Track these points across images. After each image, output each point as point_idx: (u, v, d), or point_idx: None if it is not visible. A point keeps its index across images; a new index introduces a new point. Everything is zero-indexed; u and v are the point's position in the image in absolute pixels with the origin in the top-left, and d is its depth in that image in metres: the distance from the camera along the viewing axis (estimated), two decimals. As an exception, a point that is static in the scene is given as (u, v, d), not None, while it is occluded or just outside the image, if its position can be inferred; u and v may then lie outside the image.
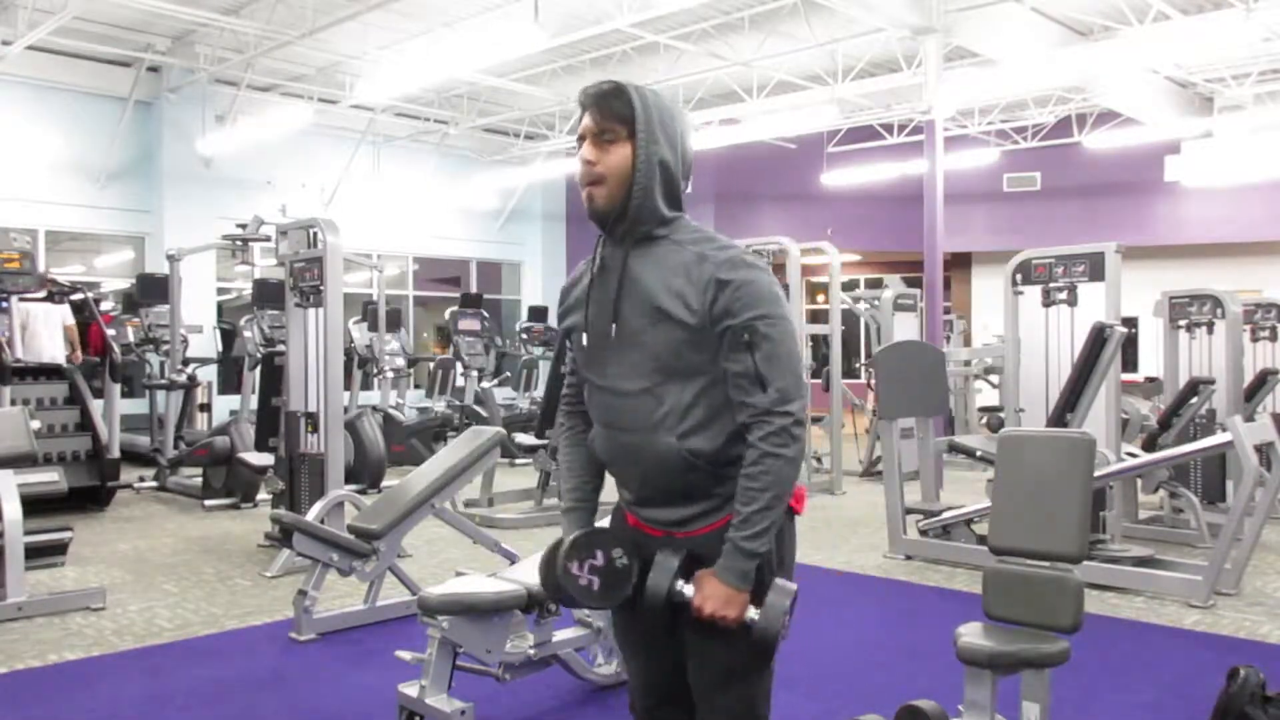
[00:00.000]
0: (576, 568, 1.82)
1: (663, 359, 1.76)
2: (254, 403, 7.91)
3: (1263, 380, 7.49)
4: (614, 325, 1.79)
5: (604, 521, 1.96)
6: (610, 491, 1.93)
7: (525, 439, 7.37)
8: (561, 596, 1.87)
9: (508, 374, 13.76)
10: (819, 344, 9.78)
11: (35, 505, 5.65)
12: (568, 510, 2.00)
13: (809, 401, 1.82)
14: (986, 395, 11.77)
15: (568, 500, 2.01)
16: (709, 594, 1.74)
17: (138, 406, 10.76)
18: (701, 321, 1.73)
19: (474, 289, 15.62)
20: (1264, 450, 4.96)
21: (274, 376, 6.89)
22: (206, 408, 11.61)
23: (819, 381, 9.67)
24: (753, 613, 1.76)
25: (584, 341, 1.87)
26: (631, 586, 1.83)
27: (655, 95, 1.81)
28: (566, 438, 2.04)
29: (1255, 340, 7.72)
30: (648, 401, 1.78)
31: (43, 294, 8.24)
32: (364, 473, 7.73)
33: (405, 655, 3.27)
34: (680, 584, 1.76)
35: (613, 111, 1.77)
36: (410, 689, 3.16)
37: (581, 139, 1.82)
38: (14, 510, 4.69)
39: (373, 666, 3.95)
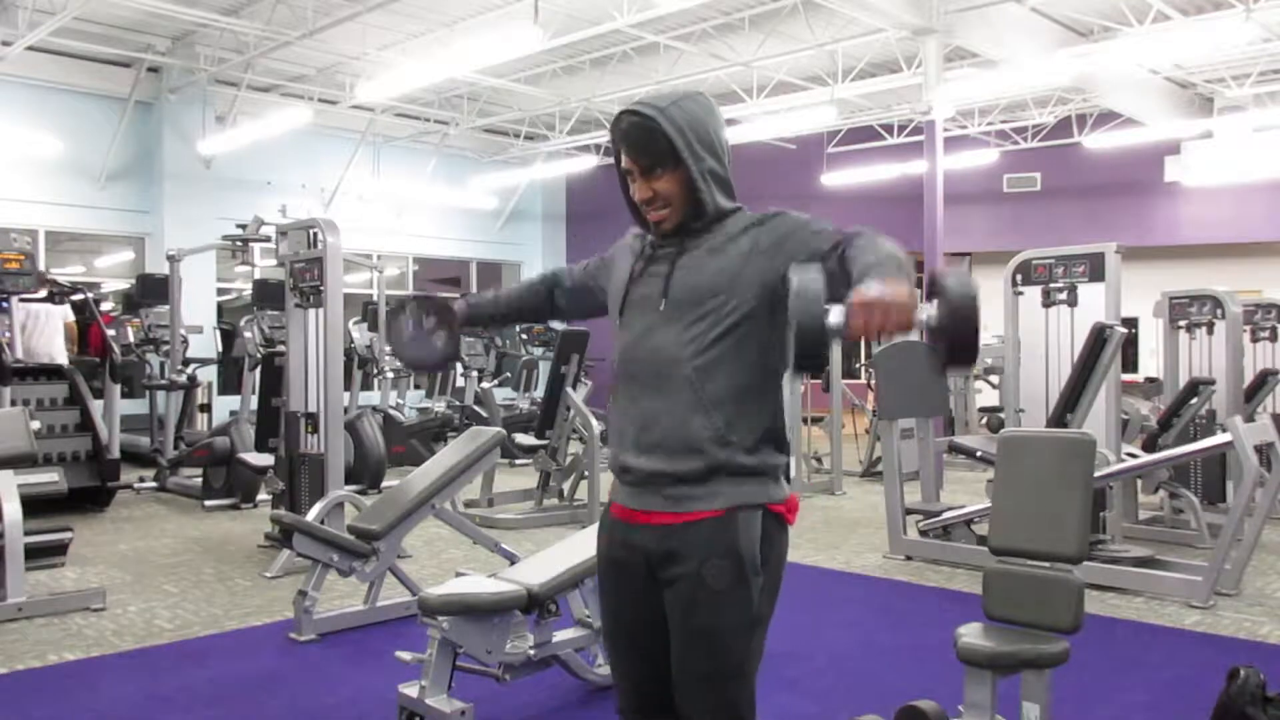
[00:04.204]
0: (404, 316, 2.14)
1: (701, 298, 1.79)
2: (254, 403, 7.91)
3: (1263, 381, 7.50)
4: (664, 300, 1.82)
5: (592, 528, 1.96)
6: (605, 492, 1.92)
7: (525, 439, 7.38)
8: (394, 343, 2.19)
9: (508, 374, 13.75)
10: (819, 344, 9.76)
11: (35, 505, 5.63)
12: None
13: None
14: (986, 395, 11.76)
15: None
16: (879, 292, 1.47)
17: (138, 407, 10.74)
18: (750, 289, 1.77)
19: (474, 289, 15.62)
20: (1264, 450, 4.96)
21: (274, 377, 6.88)
22: (206, 408, 11.61)
23: (819, 382, 9.67)
24: (928, 309, 1.55)
25: (621, 308, 1.90)
26: (433, 351, 2.12)
27: (682, 110, 1.81)
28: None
29: (1255, 341, 7.72)
30: (670, 333, 1.79)
31: (43, 294, 8.23)
32: (364, 473, 7.73)
33: (405, 656, 3.26)
34: (829, 312, 1.49)
35: (655, 151, 1.79)
36: (410, 689, 3.16)
37: (628, 172, 1.84)
38: (14, 510, 4.69)
39: (373, 667, 3.95)
